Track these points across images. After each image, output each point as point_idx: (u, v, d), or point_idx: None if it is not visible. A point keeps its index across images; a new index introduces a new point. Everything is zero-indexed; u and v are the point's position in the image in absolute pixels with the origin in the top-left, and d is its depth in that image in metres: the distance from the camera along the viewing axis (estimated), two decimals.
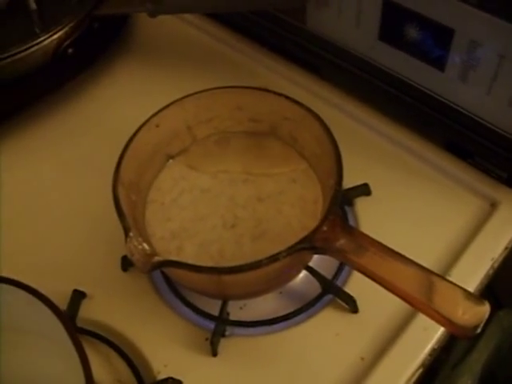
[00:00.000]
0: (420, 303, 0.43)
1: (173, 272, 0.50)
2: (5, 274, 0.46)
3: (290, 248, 0.44)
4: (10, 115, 0.67)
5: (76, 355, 0.42)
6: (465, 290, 0.42)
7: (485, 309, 0.41)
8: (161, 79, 0.68)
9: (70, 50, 0.66)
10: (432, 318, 0.43)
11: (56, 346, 0.47)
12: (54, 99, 0.69)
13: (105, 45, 0.70)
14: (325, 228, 0.44)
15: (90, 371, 0.42)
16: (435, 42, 0.52)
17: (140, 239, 0.45)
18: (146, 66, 0.71)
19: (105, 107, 0.69)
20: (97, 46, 0.69)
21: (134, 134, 0.51)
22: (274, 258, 0.43)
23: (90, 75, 0.70)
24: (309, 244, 0.44)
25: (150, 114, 0.53)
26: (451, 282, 0.43)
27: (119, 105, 0.68)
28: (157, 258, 0.44)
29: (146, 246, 0.45)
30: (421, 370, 0.51)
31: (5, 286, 0.45)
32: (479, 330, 0.40)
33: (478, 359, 0.59)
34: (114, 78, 0.71)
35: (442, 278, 0.43)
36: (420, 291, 0.42)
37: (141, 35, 0.75)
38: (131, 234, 0.45)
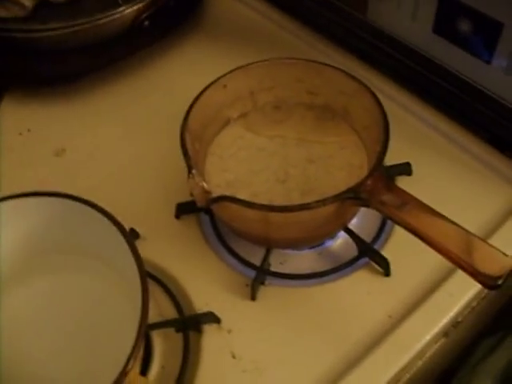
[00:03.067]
0: (458, 257, 0.45)
1: (224, 212, 0.54)
2: None
3: (336, 195, 0.48)
4: (86, 76, 0.73)
5: (136, 281, 0.46)
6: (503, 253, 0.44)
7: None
8: (225, 58, 0.73)
9: (146, 23, 0.72)
10: (470, 272, 0.44)
11: (118, 274, 0.52)
12: (125, 66, 0.75)
13: (177, 21, 0.76)
14: (369, 182, 0.48)
15: (147, 296, 0.45)
16: (484, 36, 0.56)
17: (200, 178, 0.50)
18: (212, 44, 0.77)
19: (171, 77, 0.75)
20: (170, 21, 0.75)
21: (204, 90, 0.56)
22: (321, 202, 0.47)
23: (160, 47, 0.76)
24: (353, 194, 0.48)
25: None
26: (490, 244, 0.45)
27: (184, 76, 0.74)
28: (214, 195, 0.49)
29: (205, 183, 0.50)
30: (443, 340, 0.54)
31: (82, 207, 0.50)
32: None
33: (498, 360, 0.60)
34: (182, 52, 0.77)
35: (482, 239, 0.45)
36: (460, 246, 0.45)
37: (210, 16, 0.81)
38: (193, 171, 0.50)
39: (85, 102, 0.72)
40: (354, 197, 0.48)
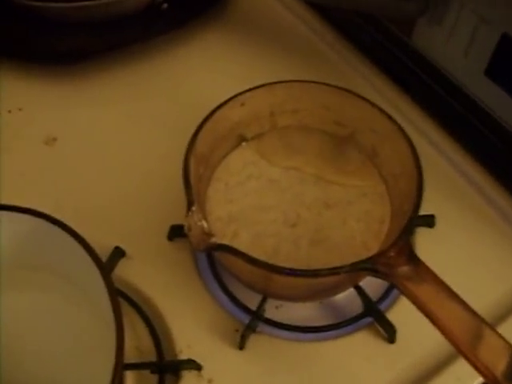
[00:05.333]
0: (465, 347, 0.41)
1: (223, 256, 0.48)
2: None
3: (352, 265, 0.42)
4: (91, 57, 0.66)
5: (108, 310, 0.41)
6: None
7: None
8: (249, 56, 0.66)
9: (165, 5, 0.65)
10: (475, 367, 0.41)
11: (90, 297, 0.47)
12: (136, 52, 0.68)
13: (201, 8, 0.68)
14: (392, 253, 0.43)
15: (122, 325, 0.41)
16: None
17: (201, 216, 0.44)
18: (237, 39, 0.69)
19: (188, 70, 0.67)
20: (193, 7, 0.68)
21: (218, 108, 0.50)
22: (334, 271, 0.42)
23: (181, 35, 0.69)
24: (371, 265, 0.42)
25: (230, 88, 0.51)
26: (501, 336, 0.41)
27: (203, 71, 0.67)
28: (214, 240, 0.43)
29: (205, 224, 0.44)
30: None
31: (47, 224, 0.44)
32: None
33: None
34: (204, 43, 0.69)
35: (494, 329, 0.41)
36: (467, 335, 0.41)
37: (238, 9, 0.73)
38: (194, 208, 0.44)
39: (86, 87, 0.65)
40: (372, 268, 0.42)
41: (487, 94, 0.54)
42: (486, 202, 0.58)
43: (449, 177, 0.60)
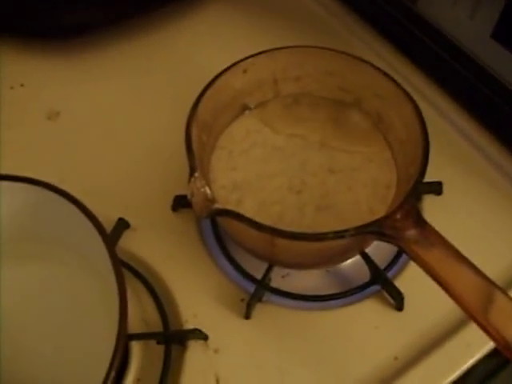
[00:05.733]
0: (476, 312, 0.40)
1: (227, 223, 0.47)
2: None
3: (358, 228, 0.41)
4: (90, 32, 0.65)
5: (111, 277, 0.41)
6: None
7: None
8: (251, 26, 0.66)
9: None
10: (486, 331, 0.40)
11: (94, 267, 0.47)
12: (136, 25, 0.67)
13: None
14: (398, 216, 0.42)
15: (125, 291, 0.40)
16: None
17: (204, 182, 0.43)
18: (238, 9, 0.68)
19: (189, 42, 0.67)
20: None
21: (219, 75, 0.49)
22: (340, 234, 0.41)
23: (178, 8, 0.68)
24: (378, 229, 0.42)
25: (233, 59, 0.50)
26: None
27: (204, 43, 0.66)
28: (216, 205, 0.43)
29: (208, 190, 0.43)
30: None
31: (57, 197, 0.44)
32: None
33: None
34: (204, 15, 0.69)
35: (505, 293, 0.40)
36: (478, 299, 0.40)
37: None
38: (196, 174, 0.43)
39: (87, 61, 0.65)
40: (378, 232, 0.42)
41: (494, 57, 0.53)
42: (494, 168, 0.57)
43: (456, 143, 0.59)
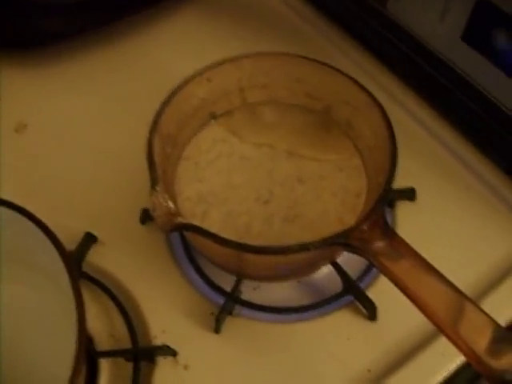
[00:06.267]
0: (445, 325, 0.39)
1: (193, 237, 0.46)
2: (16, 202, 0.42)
3: (323, 240, 0.40)
4: (61, 40, 0.64)
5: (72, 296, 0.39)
6: (496, 324, 0.38)
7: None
8: (221, 34, 0.64)
9: None
10: (456, 345, 0.39)
11: (53, 282, 0.45)
12: (107, 33, 0.66)
13: None
14: (365, 227, 0.41)
15: (84, 312, 0.39)
16: None
17: (166, 196, 0.42)
18: (208, 17, 0.67)
19: (158, 50, 0.66)
20: None
21: (183, 84, 0.48)
22: (304, 247, 0.40)
23: (151, 15, 0.67)
24: (344, 240, 0.41)
25: (203, 66, 0.49)
26: (483, 312, 0.39)
27: (173, 51, 0.65)
28: (180, 219, 0.41)
29: (171, 203, 0.42)
30: None
31: (8, 212, 0.43)
32: (509, 377, 0.36)
33: None
34: (175, 24, 0.67)
35: (475, 305, 0.39)
36: (448, 313, 0.39)
37: None
38: (158, 187, 0.42)
39: (56, 71, 0.63)
40: (345, 243, 0.41)
41: (465, 59, 0.52)
42: (469, 173, 0.56)
43: (429, 149, 0.58)
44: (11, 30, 0.62)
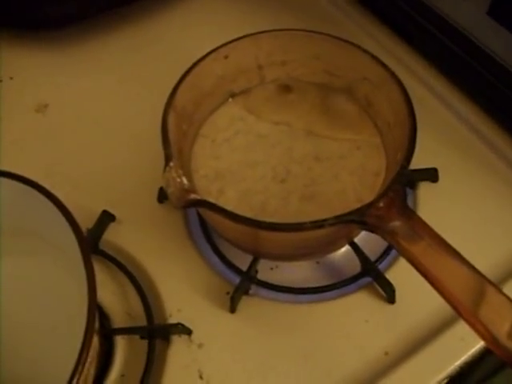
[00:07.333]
0: (465, 308, 0.37)
1: (208, 214, 0.46)
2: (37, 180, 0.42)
3: (337, 217, 0.39)
4: (78, 22, 0.64)
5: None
6: None
7: None
8: (237, 13, 0.64)
9: None
10: (474, 328, 0.38)
11: (70, 259, 0.45)
12: (124, 15, 0.66)
13: None
14: (381, 204, 0.40)
15: (95, 287, 0.39)
16: None
17: (180, 171, 0.42)
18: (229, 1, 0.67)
19: (173, 30, 0.66)
20: None
21: (199, 61, 0.47)
22: (318, 224, 0.39)
23: None
24: (360, 217, 0.40)
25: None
26: (506, 296, 0.37)
27: (189, 31, 0.65)
28: (193, 196, 0.41)
29: (184, 180, 0.41)
30: (445, 381, 0.46)
31: (30, 190, 0.43)
32: None
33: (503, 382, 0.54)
34: (190, 4, 0.67)
35: (498, 288, 0.38)
36: (468, 296, 0.37)
37: None
38: (171, 163, 0.42)
39: (74, 52, 0.64)
40: (359, 221, 0.40)
41: (490, 35, 0.50)
42: (493, 153, 0.55)
43: (453, 128, 0.56)
44: (34, 11, 0.62)
